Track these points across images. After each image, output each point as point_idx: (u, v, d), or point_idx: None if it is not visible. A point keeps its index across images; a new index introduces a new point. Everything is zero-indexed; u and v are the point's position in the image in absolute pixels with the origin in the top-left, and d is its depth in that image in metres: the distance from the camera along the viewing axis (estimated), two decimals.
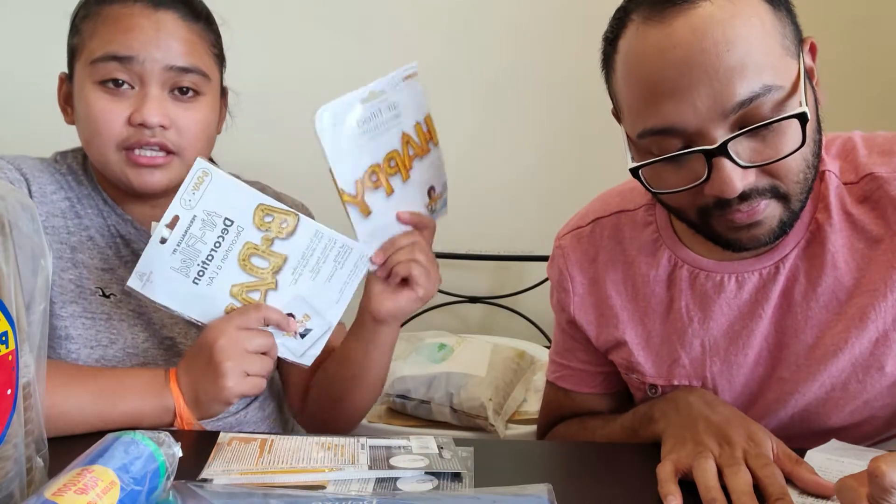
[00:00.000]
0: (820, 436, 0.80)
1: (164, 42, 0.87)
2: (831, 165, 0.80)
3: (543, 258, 1.94)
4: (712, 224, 0.75)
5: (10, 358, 0.55)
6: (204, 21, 0.93)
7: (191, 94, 0.90)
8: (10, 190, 0.58)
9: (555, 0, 1.97)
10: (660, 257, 0.87)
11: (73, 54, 0.91)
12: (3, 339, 0.54)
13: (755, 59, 0.67)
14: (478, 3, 1.97)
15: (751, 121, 0.68)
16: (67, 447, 0.63)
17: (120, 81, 0.86)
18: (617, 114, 0.81)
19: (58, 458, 0.61)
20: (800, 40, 0.72)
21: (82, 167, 0.97)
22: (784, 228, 0.75)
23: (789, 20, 0.71)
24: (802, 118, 0.67)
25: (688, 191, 0.72)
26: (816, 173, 0.76)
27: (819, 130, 0.74)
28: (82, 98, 0.88)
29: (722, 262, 0.83)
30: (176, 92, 0.89)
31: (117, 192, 0.95)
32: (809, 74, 0.73)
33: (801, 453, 0.70)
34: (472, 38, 1.98)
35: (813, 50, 0.75)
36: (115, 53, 0.86)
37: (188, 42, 0.89)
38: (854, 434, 0.82)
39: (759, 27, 0.67)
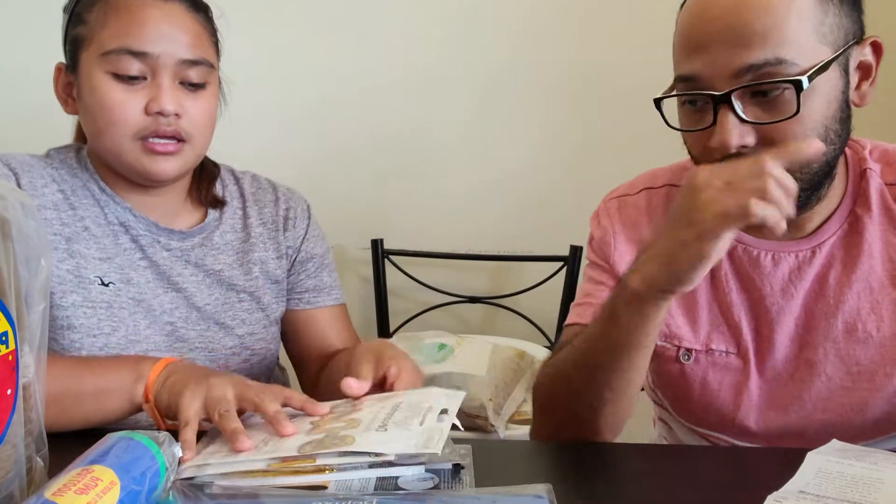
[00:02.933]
0: (845, 428, 0.83)
1: (176, 35, 0.90)
2: (873, 166, 0.85)
3: (543, 258, 1.96)
4: None
5: (10, 358, 0.55)
6: (204, 12, 0.96)
7: (199, 84, 0.93)
8: (11, 189, 0.58)
9: None
10: None
11: (76, 44, 0.91)
12: (3, 339, 0.54)
13: (781, 33, 0.73)
14: (475, 1, 1.97)
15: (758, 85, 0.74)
16: (67, 447, 0.63)
17: (134, 74, 0.88)
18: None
19: (58, 458, 0.61)
20: (854, 35, 0.77)
21: (76, 159, 0.98)
22: None
23: (840, 11, 0.76)
24: (797, 85, 0.72)
25: (699, 138, 0.79)
26: (830, 170, 0.80)
27: (846, 129, 0.79)
28: (93, 89, 0.89)
29: (759, 240, 0.86)
30: (185, 83, 0.92)
31: (116, 181, 0.96)
32: (865, 72, 0.79)
33: (802, 455, 0.70)
34: (470, 37, 1.98)
35: (877, 49, 0.79)
36: (130, 48, 0.88)
37: (195, 33, 0.92)
38: (875, 429, 0.84)
39: (795, 8, 0.73)
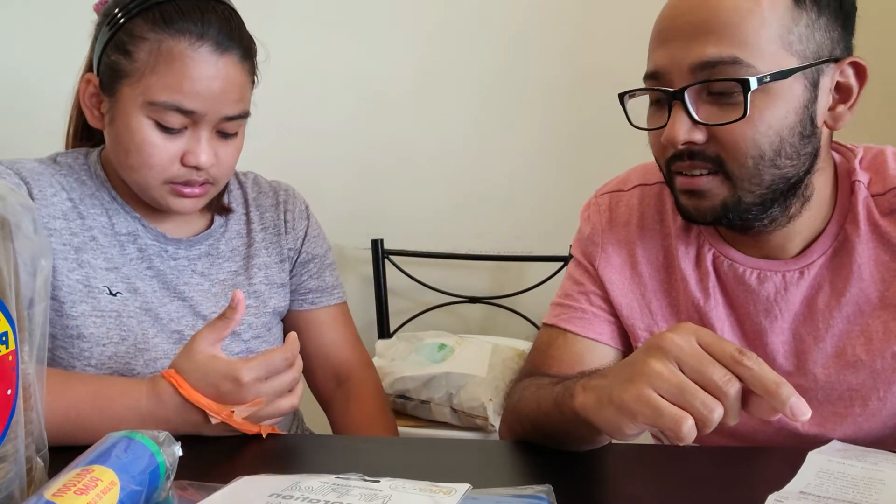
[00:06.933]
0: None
1: (226, 92, 0.89)
2: (861, 176, 0.81)
3: (543, 258, 1.96)
4: (674, 184, 0.79)
5: (10, 358, 0.55)
6: (253, 57, 0.95)
7: (234, 133, 0.94)
8: (11, 190, 0.58)
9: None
10: (692, 236, 0.88)
11: (116, 73, 0.88)
12: (3, 339, 0.54)
13: (740, 32, 0.71)
14: (475, 3, 1.97)
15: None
16: (67, 447, 0.63)
17: (177, 127, 0.88)
18: None
19: (58, 458, 0.61)
20: (831, 53, 0.74)
21: (84, 165, 0.97)
22: (728, 213, 0.76)
23: (815, 23, 0.73)
24: (744, 85, 0.71)
25: (656, 136, 0.78)
26: (792, 187, 0.77)
27: (809, 147, 0.75)
28: (131, 128, 0.88)
29: (747, 257, 0.84)
30: (221, 132, 0.92)
31: (128, 191, 0.96)
32: (844, 94, 0.76)
33: (802, 455, 0.70)
34: (470, 38, 1.98)
35: (860, 72, 0.76)
36: (180, 105, 0.86)
37: (242, 87, 0.92)
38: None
39: (760, 10, 0.71)
